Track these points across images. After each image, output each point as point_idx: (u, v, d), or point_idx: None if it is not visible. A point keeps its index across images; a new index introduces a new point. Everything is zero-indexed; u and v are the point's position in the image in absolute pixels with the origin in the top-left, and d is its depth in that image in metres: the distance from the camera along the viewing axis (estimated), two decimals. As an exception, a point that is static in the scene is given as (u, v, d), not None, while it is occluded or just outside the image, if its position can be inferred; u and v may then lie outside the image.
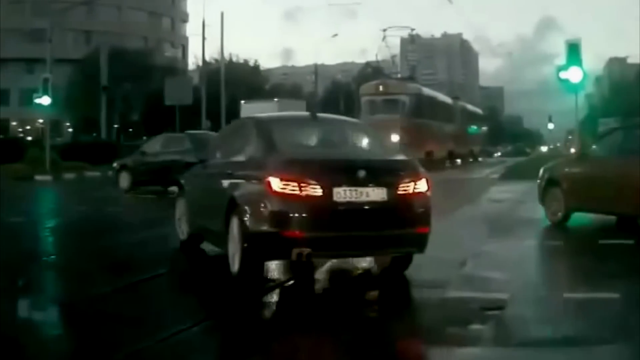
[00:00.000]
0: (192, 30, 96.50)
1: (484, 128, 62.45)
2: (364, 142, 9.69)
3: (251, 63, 79.55)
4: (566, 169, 14.07)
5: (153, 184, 23.61)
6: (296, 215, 8.11)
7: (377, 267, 9.48)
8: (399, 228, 8.43)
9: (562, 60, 22.41)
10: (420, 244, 8.58)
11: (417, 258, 8.81)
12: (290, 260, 8.30)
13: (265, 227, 8.24)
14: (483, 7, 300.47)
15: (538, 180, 14.58)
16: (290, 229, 8.10)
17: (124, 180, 24.72)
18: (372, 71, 64.37)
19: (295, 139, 9.37)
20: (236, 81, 63.01)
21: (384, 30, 46.88)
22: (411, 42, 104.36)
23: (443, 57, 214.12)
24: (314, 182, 8.12)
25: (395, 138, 36.73)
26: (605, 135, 15.34)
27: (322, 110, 11.46)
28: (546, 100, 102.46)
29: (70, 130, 65.37)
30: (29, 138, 58.99)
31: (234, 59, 75.15)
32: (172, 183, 14.00)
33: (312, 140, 9.60)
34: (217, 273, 9.20)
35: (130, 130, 69.79)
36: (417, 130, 38.37)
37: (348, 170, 8.33)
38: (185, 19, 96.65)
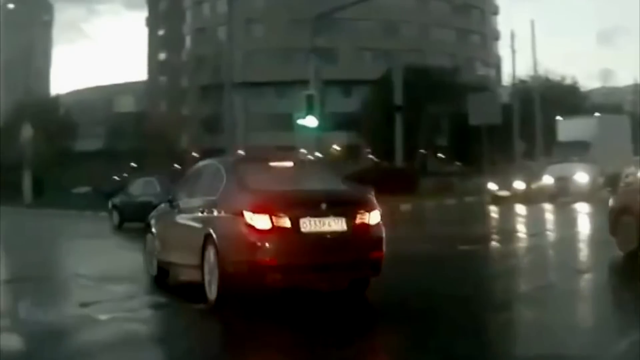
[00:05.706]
0: (505, 47, 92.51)
1: None
2: (320, 176, 10.48)
3: (568, 81, 73.63)
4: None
5: (137, 221, 24.93)
6: (269, 244, 8.95)
7: (337, 290, 9.97)
8: (357, 254, 9.37)
9: None
10: (375, 267, 9.54)
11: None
12: (263, 286, 9.19)
13: (240, 257, 9.10)
14: None
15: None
16: (264, 257, 8.94)
17: (115, 218, 27.63)
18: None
19: (260, 176, 9.92)
20: (552, 99, 57.67)
21: None
22: None
23: None
24: (282, 214, 8.97)
25: None
26: None
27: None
28: None
29: (370, 156, 62.60)
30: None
31: (550, 77, 69.75)
32: None
33: (276, 177, 10.14)
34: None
35: (440, 155, 66.20)
36: None
37: (312, 203, 9.19)
38: (497, 37, 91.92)
